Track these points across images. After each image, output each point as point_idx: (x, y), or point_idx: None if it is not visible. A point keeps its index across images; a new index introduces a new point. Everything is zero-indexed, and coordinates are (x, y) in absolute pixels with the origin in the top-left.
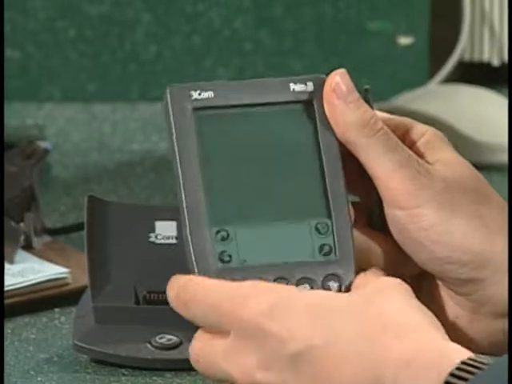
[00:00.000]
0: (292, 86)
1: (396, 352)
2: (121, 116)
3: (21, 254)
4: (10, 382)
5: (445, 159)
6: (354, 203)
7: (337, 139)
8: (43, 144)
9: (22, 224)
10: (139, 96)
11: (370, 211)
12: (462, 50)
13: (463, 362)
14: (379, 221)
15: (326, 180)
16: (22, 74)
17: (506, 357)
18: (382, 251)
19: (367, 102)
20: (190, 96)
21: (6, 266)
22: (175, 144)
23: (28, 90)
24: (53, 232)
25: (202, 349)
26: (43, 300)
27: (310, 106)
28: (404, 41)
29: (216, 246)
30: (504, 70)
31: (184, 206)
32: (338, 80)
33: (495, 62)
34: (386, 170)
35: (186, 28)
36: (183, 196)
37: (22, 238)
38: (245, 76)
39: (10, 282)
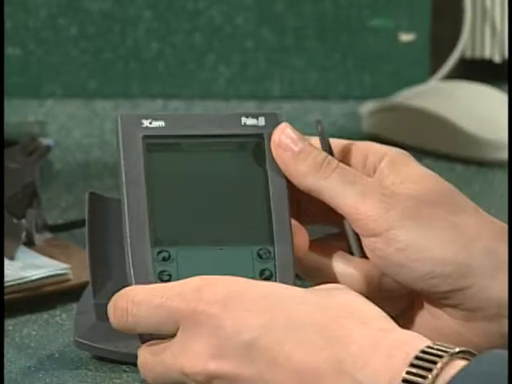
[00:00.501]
0: (243, 119)
1: (359, 338)
2: (122, 113)
3: (22, 250)
4: (11, 379)
5: (411, 176)
6: (333, 234)
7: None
8: (45, 141)
9: (23, 220)
10: (140, 93)
11: (348, 240)
12: (463, 47)
13: (429, 346)
14: (358, 248)
15: (271, 209)
16: (23, 71)
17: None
18: (365, 277)
19: (320, 134)
20: (141, 124)
21: (7, 262)
22: (122, 169)
23: (29, 87)
24: (54, 228)
25: (149, 357)
26: (44, 296)
27: (261, 139)
28: (405, 38)
29: (156, 265)
30: (505, 67)
31: (127, 227)
32: (281, 136)
33: (496, 59)
34: (350, 203)
35: (187, 25)
36: (126, 218)
37: (24, 234)
38: (246, 73)
39: (11, 278)
